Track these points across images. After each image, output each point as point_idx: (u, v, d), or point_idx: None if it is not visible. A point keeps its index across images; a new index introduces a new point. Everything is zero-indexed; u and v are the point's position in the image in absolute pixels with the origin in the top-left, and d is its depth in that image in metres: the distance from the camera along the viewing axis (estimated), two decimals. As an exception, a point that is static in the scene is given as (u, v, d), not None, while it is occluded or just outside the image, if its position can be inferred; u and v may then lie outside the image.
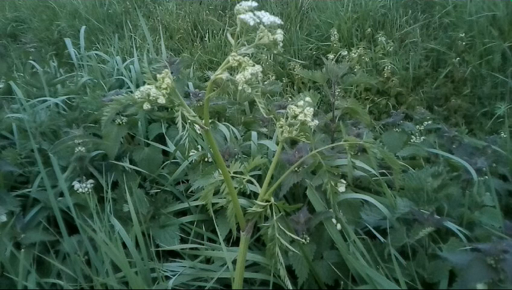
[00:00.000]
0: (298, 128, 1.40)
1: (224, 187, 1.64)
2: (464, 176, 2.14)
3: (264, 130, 2.62)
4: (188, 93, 2.83)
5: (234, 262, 1.78)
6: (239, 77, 1.17)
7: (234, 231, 1.71)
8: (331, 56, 5.51)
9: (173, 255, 2.08)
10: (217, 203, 1.98)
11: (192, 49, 6.46)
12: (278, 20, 1.24)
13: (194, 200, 2.25)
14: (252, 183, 1.68)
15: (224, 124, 2.57)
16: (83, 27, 4.53)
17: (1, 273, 1.87)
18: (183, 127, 1.26)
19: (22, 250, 1.89)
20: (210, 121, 2.38)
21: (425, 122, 2.85)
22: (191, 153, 2.32)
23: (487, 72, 4.91)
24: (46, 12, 8.15)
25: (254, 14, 1.23)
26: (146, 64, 3.21)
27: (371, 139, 2.04)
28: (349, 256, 1.74)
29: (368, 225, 1.89)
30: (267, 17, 1.23)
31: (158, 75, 1.19)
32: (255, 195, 1.98)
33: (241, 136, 2.61)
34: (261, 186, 1.55)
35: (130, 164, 2.42)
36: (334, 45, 5.76)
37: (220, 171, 1.54)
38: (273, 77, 5.27)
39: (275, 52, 1.28)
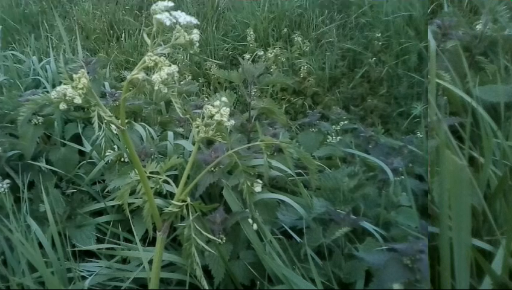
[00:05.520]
0: (214, 128, 1.40)
1: (141, 187, 1.62)
2: (380, 176, 2.16)
3: (181, 130, 2.62)
4: (105, 93, 2.79)
5: (150, 262, 1.76)
6: (155, 77, 1.17)
7: (150, 231, 1.70)
8: (247, 56, 5.49)
9: (89, 255, 2.04)
10: (133, 203, 1.95)
11: (108, 49, 6.34)
12: (194, 20, 1.24)
13: (110, 200, 2.22)
14: (168, 183, 1.67)
15: (140, 124, 2.55)
16: (-1, 27, 4.42)
17: None
18: (100, 127, 1.25)
19: None
20: (126, 121, 2.33)
21: (342, 122, 2.86)
22: (107, 153, 2.29)
23: (403, 72, 4.99)
24: (-41, 11, 7.86)
25: (170, 14, 1.22)
26: (62, 64, 3.13)
27: (287, 139, 2.08)
28: (265, 256, 1.74)
29: (284, 225, 1.89)
30: (183, 17, 1.23)
31: (74, 75, 1.17)
32: (172, 195, 1.97)
33: (158, 136, 2.59)
34: (177, 187, 1.55)
35: (47, 164, 2.36)
36: (251, 45, 5.76)
37: (136, 171, 1.53)
38: (190, 77, 5.20)
39: (191, 52, 1.29)
